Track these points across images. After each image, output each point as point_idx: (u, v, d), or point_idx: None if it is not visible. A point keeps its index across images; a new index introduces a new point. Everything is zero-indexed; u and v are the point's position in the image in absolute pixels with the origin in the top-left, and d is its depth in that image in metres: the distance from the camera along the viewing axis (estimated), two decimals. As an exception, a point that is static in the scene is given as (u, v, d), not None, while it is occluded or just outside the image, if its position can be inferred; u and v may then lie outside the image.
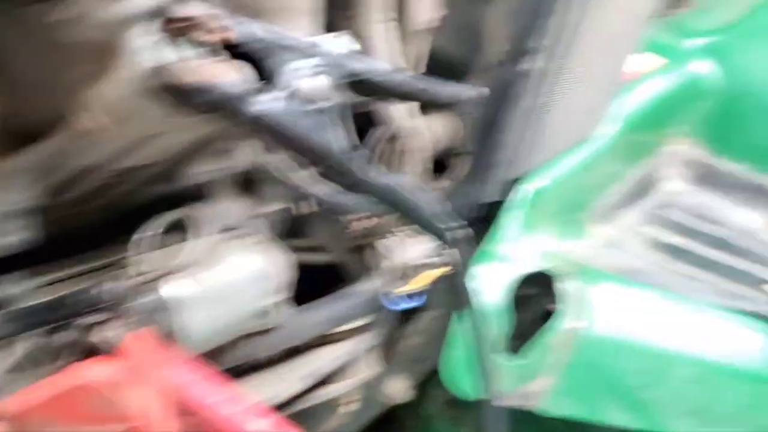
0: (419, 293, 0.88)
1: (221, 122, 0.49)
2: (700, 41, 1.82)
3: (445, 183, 1.04)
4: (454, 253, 0.64)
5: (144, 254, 0.59)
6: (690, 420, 0.90)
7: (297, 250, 0.78)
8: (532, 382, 0.88)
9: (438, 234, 0.62)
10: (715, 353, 0.91)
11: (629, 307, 0.91)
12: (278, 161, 0.68)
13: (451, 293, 0.66)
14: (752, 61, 1.76)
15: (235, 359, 0.72)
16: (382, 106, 0.73)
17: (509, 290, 0.90)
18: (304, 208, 0.98)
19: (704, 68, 1.79)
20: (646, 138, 1.68)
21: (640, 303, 0.93)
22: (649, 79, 1.65)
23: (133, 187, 0.68)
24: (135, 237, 0.61)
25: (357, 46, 0.58)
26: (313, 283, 0.83)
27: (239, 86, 0.45)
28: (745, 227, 1.68)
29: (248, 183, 0.83)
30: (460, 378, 0.88)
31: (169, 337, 0.58)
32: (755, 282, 1.33)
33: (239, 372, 0.80)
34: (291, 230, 0.88)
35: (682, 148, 1.80)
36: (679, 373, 0.88)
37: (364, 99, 0.57)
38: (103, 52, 0.47)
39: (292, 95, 0.48)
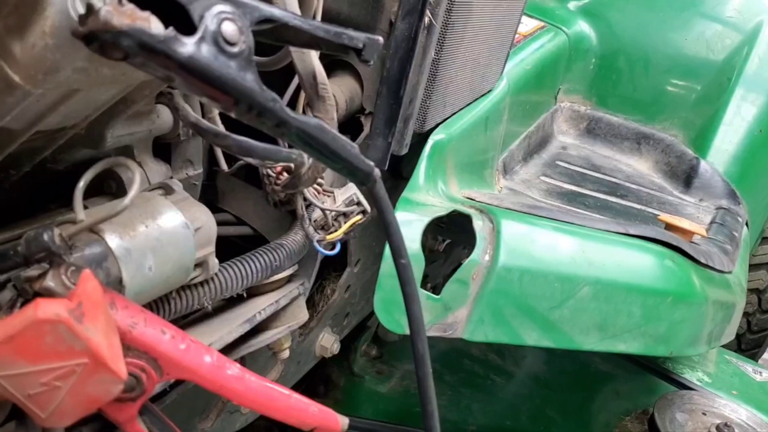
0: (343, 240, 0.92)
1: (145, 70, 0.50)
2: (579, 4, 1.95)
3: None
4: (379, 191, 0.65)
5: (78, 207, 0.60)
6: (594, 335, 0.99)
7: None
8: (451, 313, 0.94)
9: (363, 174, 0.61)
10: (612, 273, 1.00)
11: (533, 238, 0.98)
12: (196, 115, 0.70)
13: (381, 232, 0.68)
14: (620, 20, 1.91)
15: (176, 310, 0.74)
16: (298, 60, 0.75)
17: (424, 233, 0.95)
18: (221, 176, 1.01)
19: (584, 29, 1.92)
20: (538, 97, 1.79)
21: (543, 234, 1.00)
22: (536, 40, 1.75)
23: (57, 151, 0.69)
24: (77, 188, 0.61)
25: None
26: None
27: (168, 30, 0.47)
28: (633, 172, 1.82)
29: (164, 147, 0.85)
30: (393, 314, 0.92)
31: (112, 285, 0.60)
32: (650, 217, 1.45)
33: (182, 322, 0.82)
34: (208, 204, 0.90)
35: (571, 104, 1.92)
36: (581, 293, 0.96)
37: (277, 44, 0.60)
38: (24, 3, 0.48)
39: (215, 38, 0.50)
